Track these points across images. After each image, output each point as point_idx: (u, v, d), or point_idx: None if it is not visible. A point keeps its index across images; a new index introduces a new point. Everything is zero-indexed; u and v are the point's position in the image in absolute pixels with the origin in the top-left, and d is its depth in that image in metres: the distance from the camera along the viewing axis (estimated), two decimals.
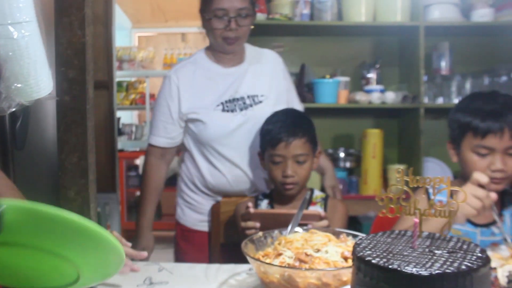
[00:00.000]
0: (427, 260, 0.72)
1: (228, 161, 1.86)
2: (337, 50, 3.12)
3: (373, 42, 3.14)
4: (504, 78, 2.84)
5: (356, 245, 0.79)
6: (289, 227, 1.24)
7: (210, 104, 1.84)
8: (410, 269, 0.69)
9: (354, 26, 2.86)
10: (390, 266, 0.70)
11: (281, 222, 1.36)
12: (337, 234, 1.19)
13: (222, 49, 1.85)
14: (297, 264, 1.00)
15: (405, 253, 0.75)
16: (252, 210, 1.45)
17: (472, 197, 1.29)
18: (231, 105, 1.85)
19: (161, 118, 1.88)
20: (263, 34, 3.05)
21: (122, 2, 5.31)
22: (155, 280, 1.20)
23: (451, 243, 0.80)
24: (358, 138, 3.03)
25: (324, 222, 1.41)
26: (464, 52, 3.09)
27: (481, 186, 1.33)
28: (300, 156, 1.71)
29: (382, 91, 2.85)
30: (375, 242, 0.81)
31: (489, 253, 1.29)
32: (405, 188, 0.83)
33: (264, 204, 1.82)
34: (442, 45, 2.99)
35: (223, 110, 1.85)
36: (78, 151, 1.24)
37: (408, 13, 2.84)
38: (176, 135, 1.91)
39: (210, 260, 1.89)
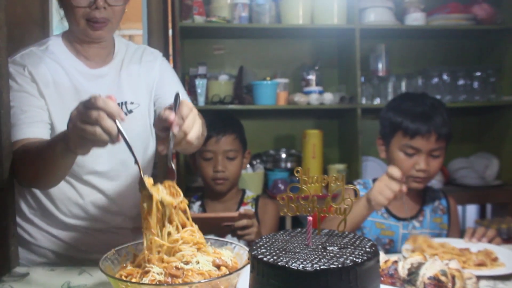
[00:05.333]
0: (316, 256, 0.75)
1: (91, 186, 1.40)
2: (277, 52, 3.17)
3: (312, 45, 3.21)
4: (435, 80, 2.96)
5: (253, 244, 0.81)
6: None
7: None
8: (297, 265, 0.71)
9: (292, 29, 2.91)
10: (279, 263, 0.72)
11: (211, 225, 1.38)
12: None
13: (84, 36, 1.36)
14: (169, 280, 0.90)
15: (298, 250, 0.78)
16: None
17: (386, 188, 1.38)
18: None
19: (24, 105, 1.29)
20: (202, 37, 3.07)
21: None
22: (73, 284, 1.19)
23: (346, 239, 0.84)
24: (298, 139, 3.08)
25: (243, 222, 1.44)
26: (399, 54, 3.21)
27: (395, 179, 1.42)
28: (230, 151, 1.78)
29: (320, 92, 2.91)
30: (273, 240, 0.83)
31: (407, 246, 1.36)
32: (303, 187, 0.86)
33: (195, 207, 1.83)
34: (378, 47, 3.09)
35: None
36: None
37: (345, 16, 2.92)
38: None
39: None
